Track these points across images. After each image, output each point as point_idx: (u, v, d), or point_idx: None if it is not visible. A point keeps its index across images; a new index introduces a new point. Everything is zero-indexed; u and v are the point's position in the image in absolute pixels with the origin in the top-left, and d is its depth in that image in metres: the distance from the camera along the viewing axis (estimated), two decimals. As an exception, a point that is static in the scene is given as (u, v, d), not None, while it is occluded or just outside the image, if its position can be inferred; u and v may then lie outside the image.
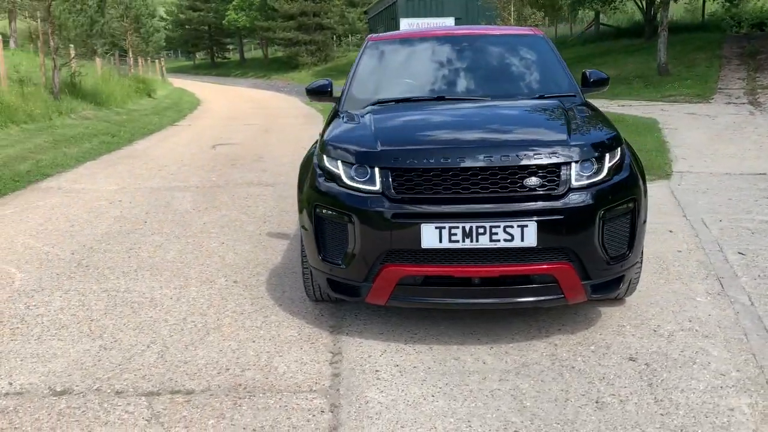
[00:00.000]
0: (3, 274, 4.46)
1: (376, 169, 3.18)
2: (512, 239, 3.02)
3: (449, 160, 3.10)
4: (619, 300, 3.77)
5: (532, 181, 3.07)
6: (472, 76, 4.34)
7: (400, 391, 2.87)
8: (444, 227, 3.02)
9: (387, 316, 3.64)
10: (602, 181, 3.16)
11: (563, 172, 3.09)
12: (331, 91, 4.42)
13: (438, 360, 3.15)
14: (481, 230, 3.01)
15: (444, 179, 3.09)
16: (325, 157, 3.44)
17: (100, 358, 3.21)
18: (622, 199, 3.21)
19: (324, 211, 3.32)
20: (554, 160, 3.10)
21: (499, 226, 3.01)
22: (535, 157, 3.09)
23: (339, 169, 3.31)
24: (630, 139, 8.90)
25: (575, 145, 3.17)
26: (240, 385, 2.94)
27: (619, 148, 3.34)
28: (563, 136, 3.24)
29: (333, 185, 3.31)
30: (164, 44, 26.03)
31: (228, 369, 3.09)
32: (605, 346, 3.26)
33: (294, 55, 46.97)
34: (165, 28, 71.75)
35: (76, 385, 2.94)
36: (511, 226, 3.01)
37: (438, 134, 3.48)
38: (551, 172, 3.09)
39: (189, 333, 3.50)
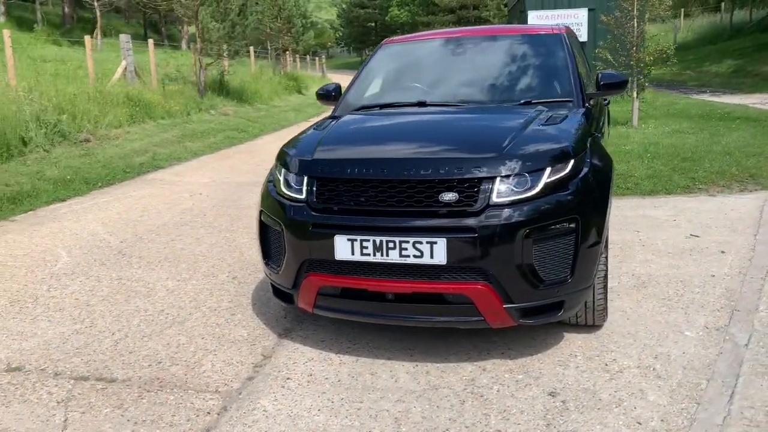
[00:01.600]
0: (51, 257, 5.08)
1: (305, 178, 3.20)
2: (422, 256, 2.88)
3: (370, 172, 3.03)
4: (596, 326, 3.44)
5: (449, 196, 2.90)
6: (463, 82, 4.16)
7: (291, 402, 2.87)
8: (356, 240, 2.97)
9: (342, 324, 3.63)
10: (532, 198, 2.90)
11: (483, 187, 2.89)
12: (336, 96, 4.46)
13: (354, 374, 3.11)
14: (390, 245, 2.91)
15: (363, 191, 3.02)
16: (275, 162, 3.53)
17: (67, 341, 3.57)
18: (557, 218, 2.92)
19: (264, 217, 3.40)
20: (474, 174, 2.90)
21: (408, 242, 2.89)
22: (456, 171, 2.92)
23: (280, 175, 3.37)
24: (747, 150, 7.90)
25: (505, 160, 2.94)
26: (158, 378, 3.12)
27: (569, 163, 3.03)
28: (496, 150, 3.01)
29: (273, 191, 3.39)
30: (313, 43, 27.29)
31: (160, 362, 3.29)
32: (535, 376, 2.99)
33: (453, 48, 47.00)
34: (338, 26, 76.14)
35: (30, 364, 3.31)
36: (421, 242, 2.87)
37: (378, 145, 3.39)
38: (470, 187, 2.89)
39: (155, 324, 3.76)
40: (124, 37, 13.97)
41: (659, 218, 5.63)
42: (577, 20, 15.56)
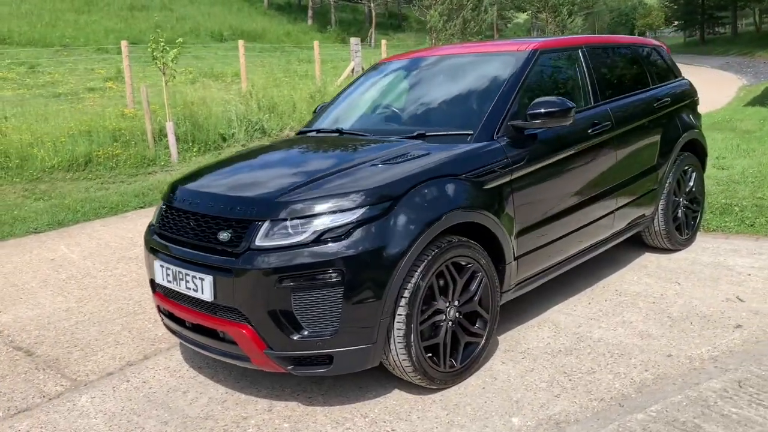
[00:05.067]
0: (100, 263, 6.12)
1: (161, 202, 3.47)
2: (197, 290, 2.96)
3: (181, 202, 3.18)
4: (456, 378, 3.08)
5: (223, 235, 2.91)
6: (389, 109, 3.92)
7: (105, 402, 3.22)
8: (163, 265, 3.17)
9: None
10: (296, 246, 2.74)
11: (250, 229, 2.83)
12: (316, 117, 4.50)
13: (174, 389, 3.31)
14: (180, 275, 3.05)
15: (177, 220, 3.19)
16: None
17: (21, 317, 4.36)
18: (319, 268, 2.72)
19: None
20: (244, 216, 2.86)
21: (190, 275, 2.99)
22: (230, 211, 2.92)
23: None
24: None
25: (278, 204, 2.83)
26: (37, 355, 3.73)
27: (357, 211, 2.77)
28: (274, 193, 2.90)
29: None
30: (579, 31, 25.51)
31: (57, 344, 3.87)
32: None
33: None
34: (667, 4, 69.20)
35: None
36: (196, 277, 2.95)
37: (213, 176, 3.43)
38: (242, 228, 2.86)
39: (103, 314, 4.33)
40: (353, 40, 15.30)
41: (733, 269, 4.44)
42: None
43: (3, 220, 6.94)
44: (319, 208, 2.79)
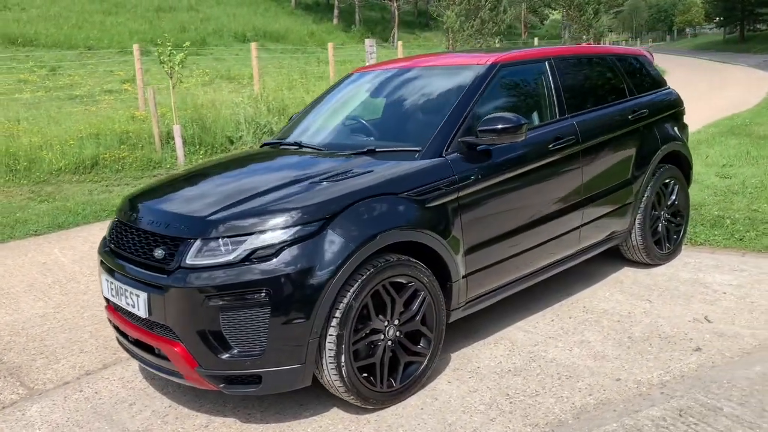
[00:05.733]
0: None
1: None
2: (134, 306, 2.99)
3: (132, 218, 3.22)
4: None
5: (158, 252, 2.93)
6: (349, 123, 3.91)
7: (52, 412, 3.28)
8: (108, 279, 3.21)
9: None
10: (225, 265, 2.74)
11: (182, 247, 2.84)
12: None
13: (121, 401, 3.35)
14: (121, 290, 3.08)
15: (123, 235, 3.23)
16: None
17: None
18: (246, 288, 2.72)
19: None
20: (176, 233, 2.88)
21: (128, 290, 3.02)
22: (166, 228, 2.94)
23: None
24: None
25: (209, 222, 2.83)
26: (2, 362, 3.81)
27: (289, 231, 2.77)
28: (207, 211, 2.91)
29: None
30: (603, 29, 25.00)
31: (25, 351, 3.94)
32: (229, 448, 2.85)
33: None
34: (705, 1, 67.11)
35: (-22, 335, 4.32)
36: (133, 293, 2.99)
37: (173, 191, 3.44)
38: (175, 245, 2.88)
39: (77, 320, 4.40)
40: (368, 41, 15.28)
41: (710, 286, 4.31)
42: None
43: (5, 222, 7.11)
44: (249, 227, 2.79)
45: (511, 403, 3.06)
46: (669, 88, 5.00)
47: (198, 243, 2.81)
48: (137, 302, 2.95)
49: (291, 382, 2.85)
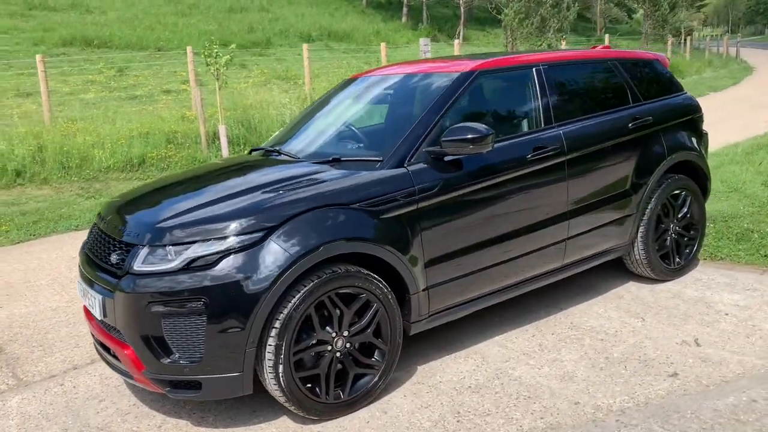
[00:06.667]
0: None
1: None
2: (93, 308, 3.12)
3: (102, 222, 3.35)
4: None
5: (113, 256, 3.04)
6: (327, 130, 3.89)
7: (26, 404, 3.46)
8: (79, 280, 3.35)
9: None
10: (167, 272, 2.81)
11: (131, 253, 2.93)
12: None
13: (89, 397, 3.50)
14: (85, 292, 3.21)
15: (94, 238, 3.36)
16: None
17: (13, 315, 4.70)
18: (184, 296, 2.77)
19: None
20: (127, 240, 2.98)
21: (90, 292, 3.15)
22: (123, 233, 3.04)
23: None
24: None
25: (157, 229, 2.91)
26: (4, 352, 4.04)
27: (229, 240, 2.81)
28: (159, 218, 2.99)
29: None
30: (679, 25, 23.52)
31: (28, 343, 4.16)
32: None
33: None
34: None
35: None
36: (92, 295, 3.11)
37: (143, 197, 3.51)
38: (127, 251, 2.97)
39: (83, 314, 4.62)
40: (423, 40, 15.21)
41: (713, 306, 4.05)
42: None
43: (51, 216, 7.54)
44: (191, 236, 2.85)
45: (458, 422, 2.99)
46: (685, 93, 4.72)
47: (146, 250, 2.89)
48: (96, 304, 3.07)
49: (231, 390, 2.89)
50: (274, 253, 2.83)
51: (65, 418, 3.28)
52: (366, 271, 3.07)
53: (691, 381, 3.19)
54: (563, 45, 18.78)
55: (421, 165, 3.30)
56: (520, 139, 3.65)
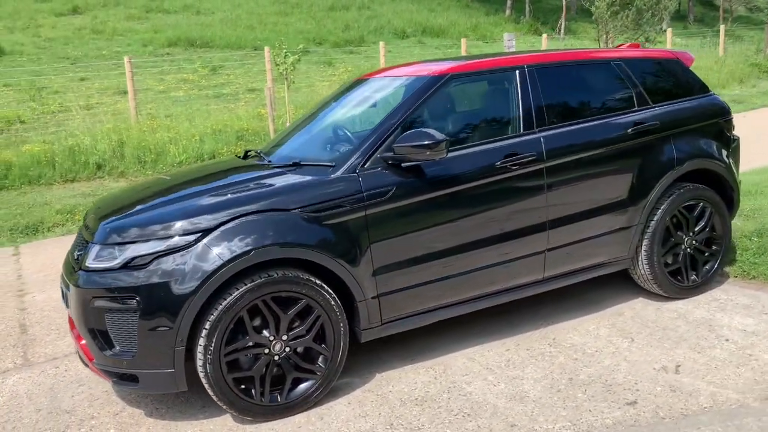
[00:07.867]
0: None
1: None
2: (63, 298, 3.36)
3: (83, 220, 3.59)
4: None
5: (77, 253, 3.26)
6: (305, 133, 3.93)
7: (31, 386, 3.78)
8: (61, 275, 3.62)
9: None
10: (109, 270, 2.98)
11: (87, 250, 3.13)
12: None
13: (69, 387, 3.76)
14: (64, 283, 3.47)
15: (77, 236, 3.61)
16: None
17: (51, 299, 5.10)
18: (119, 294, 2.93)
19: None
20: (88, 238, 3.18)
21: (62, 285, 3.39)
22: (87, 232, 3.27)
23: None
24: None
25: (105, 229, 3.09)
26: (27, 333, 4.42)
27: (162, 243, 2.93)
28: (111, 218, 3.16)
29: None
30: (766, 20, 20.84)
31: (49, 326, 4.54)
32: (115, 438, 3.09)
33: None
34: None
35: None
36: (62, 288, 3.35)
37: (118, 198, 3.70)
38: (86, 249, 3.17)
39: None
40: (507, 36, 14.81)
41: (716, 330, 3.70)
42: None
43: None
44: (132, 235, 3.00)
45: (386, 434, 2.94)
46: (710, 95, 4.30)
47: (97, 247, 3.08)
48: (64, 295, 3.31)
49: (167, 385, 3.02)
50: (206, 256, 2.91)
51: (43, 399, 3.55)
52: (306, 276, 3.08)
53: (648, 412, 2.95)
54: (669, 35, 17.56)
55: (378, 170, 3.26)
56: (489, 145, 3.50)
